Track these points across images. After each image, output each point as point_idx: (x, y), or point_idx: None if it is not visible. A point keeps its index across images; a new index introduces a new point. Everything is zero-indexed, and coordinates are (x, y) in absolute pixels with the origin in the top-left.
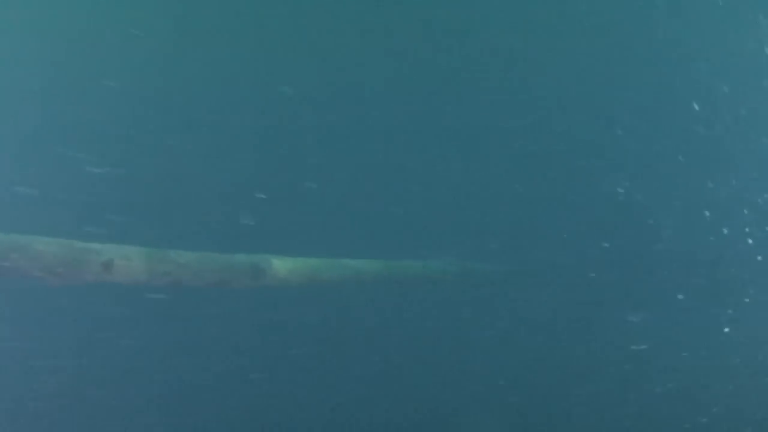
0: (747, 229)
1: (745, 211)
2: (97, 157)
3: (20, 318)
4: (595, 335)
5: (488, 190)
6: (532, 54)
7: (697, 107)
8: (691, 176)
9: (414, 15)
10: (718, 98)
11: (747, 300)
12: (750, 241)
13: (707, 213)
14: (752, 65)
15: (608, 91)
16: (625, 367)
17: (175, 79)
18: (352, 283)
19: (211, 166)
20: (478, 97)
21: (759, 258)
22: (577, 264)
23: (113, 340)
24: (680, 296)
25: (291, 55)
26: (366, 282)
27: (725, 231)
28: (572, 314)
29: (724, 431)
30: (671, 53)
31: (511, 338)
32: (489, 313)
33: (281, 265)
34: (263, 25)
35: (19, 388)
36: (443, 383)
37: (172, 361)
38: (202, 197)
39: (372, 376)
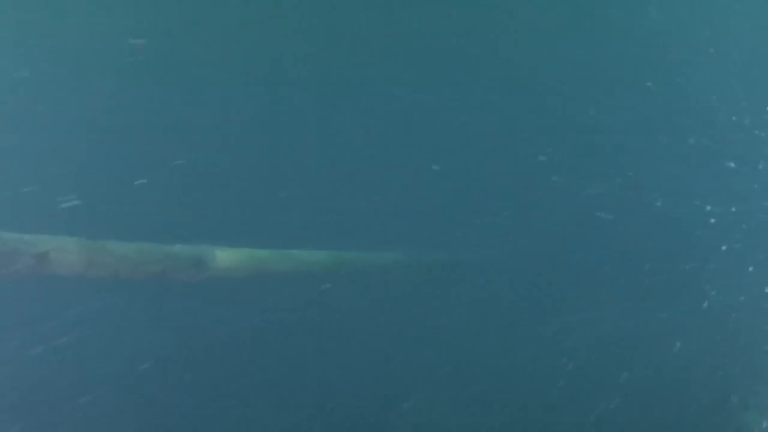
0: (708, 208)
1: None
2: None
3: None
4: (513, 349)
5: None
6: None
7: None
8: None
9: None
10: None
11: (706, 304)
12: (712, 220)
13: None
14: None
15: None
16: (557, 386)
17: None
18: (300, 276)
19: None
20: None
21: (723, 248)
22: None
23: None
24: (618, 298)
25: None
26: (315, 274)
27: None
28: (487, 319)
29: None
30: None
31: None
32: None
33: (225, 257)
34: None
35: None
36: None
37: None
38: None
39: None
